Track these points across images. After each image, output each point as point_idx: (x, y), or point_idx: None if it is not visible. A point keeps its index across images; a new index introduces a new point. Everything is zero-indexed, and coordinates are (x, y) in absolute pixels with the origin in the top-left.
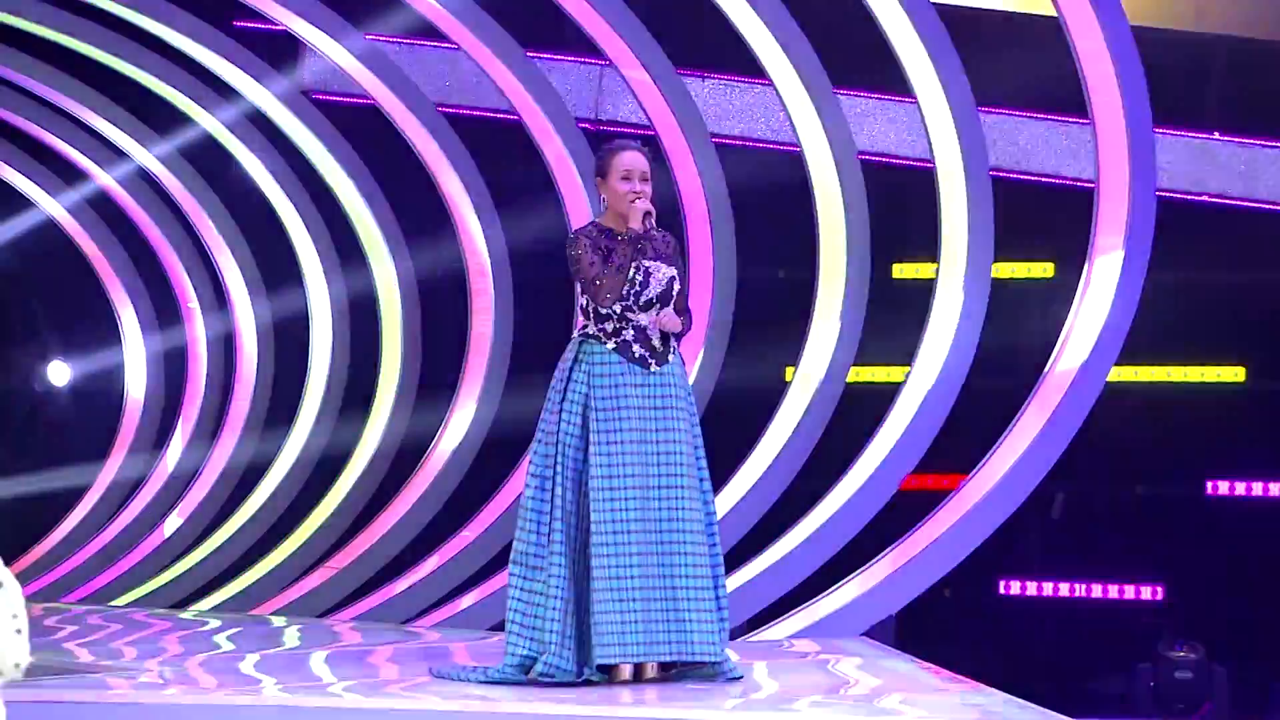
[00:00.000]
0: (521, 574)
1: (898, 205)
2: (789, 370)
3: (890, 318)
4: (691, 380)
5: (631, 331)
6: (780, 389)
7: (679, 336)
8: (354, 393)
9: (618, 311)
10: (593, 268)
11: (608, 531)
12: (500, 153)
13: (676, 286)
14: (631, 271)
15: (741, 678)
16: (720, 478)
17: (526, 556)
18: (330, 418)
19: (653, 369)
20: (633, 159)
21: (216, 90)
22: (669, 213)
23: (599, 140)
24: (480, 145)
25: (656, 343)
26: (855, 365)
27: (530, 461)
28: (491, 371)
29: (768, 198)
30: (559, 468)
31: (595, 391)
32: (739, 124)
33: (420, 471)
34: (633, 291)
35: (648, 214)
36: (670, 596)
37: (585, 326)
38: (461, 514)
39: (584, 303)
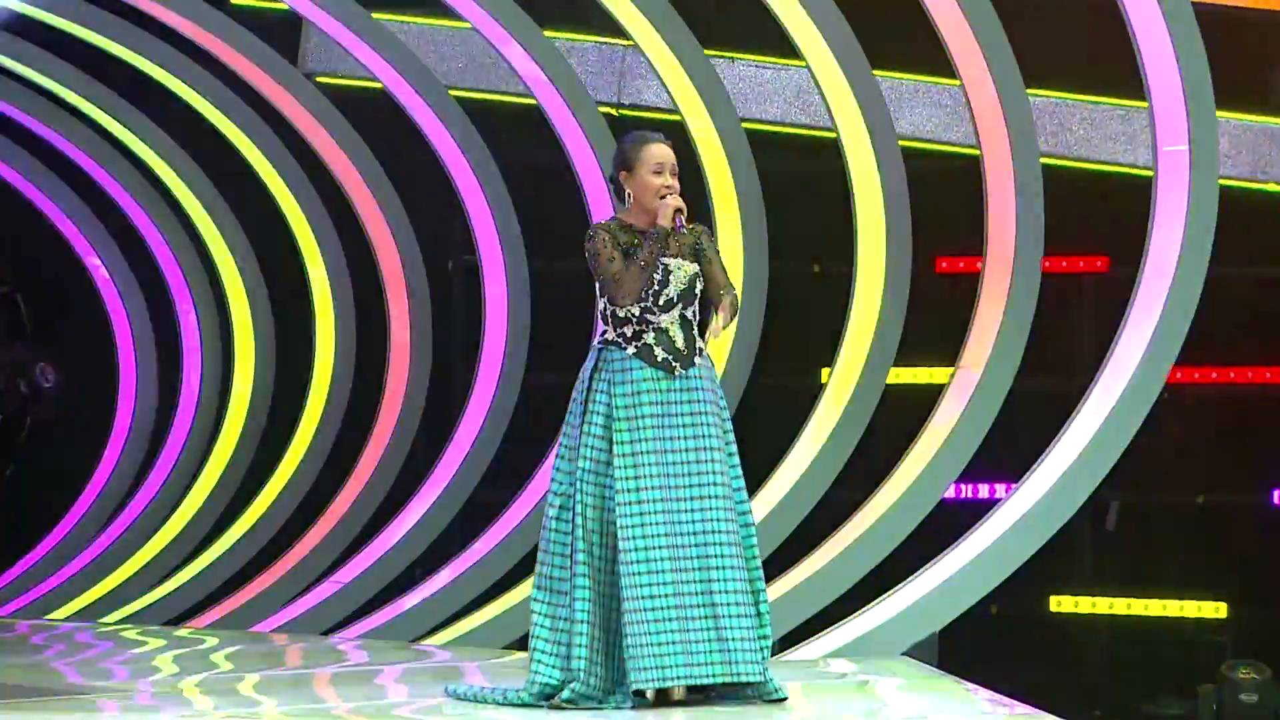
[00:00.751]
0: (546, 599)
1: (941, 194)
2: (824, 371)
3: (933, 314)
4: (721, 379)
5: (652, 334)
6: (815, 391)
7: (734, 315)
8: (359, 397)
9: (636, 314)
10: (613, 264)
11: (637, 549)
12: (517, 139)
13: (699, 285)
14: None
15: (786, 698)
16: (751, 486)
17: (550, 580)
18: (334, 424)
19: (678, 373)
20: (663, 151)
21: (212, 72)
22: (695, 204)
23: (621, 126)
24: (496, 130)
25: (681, 344)
26: (895, 365)
27: (552, 479)
28: (506, 375)
29: (802, 187)
30: (581, 484)
31: (617, 401)
32: (771, 108)
33: (429, 481)
34: (652, 291)
35: (679, 211)
36: (710, 614)
37: (605, 333)
38: (473, 527)
39: (602, 307)
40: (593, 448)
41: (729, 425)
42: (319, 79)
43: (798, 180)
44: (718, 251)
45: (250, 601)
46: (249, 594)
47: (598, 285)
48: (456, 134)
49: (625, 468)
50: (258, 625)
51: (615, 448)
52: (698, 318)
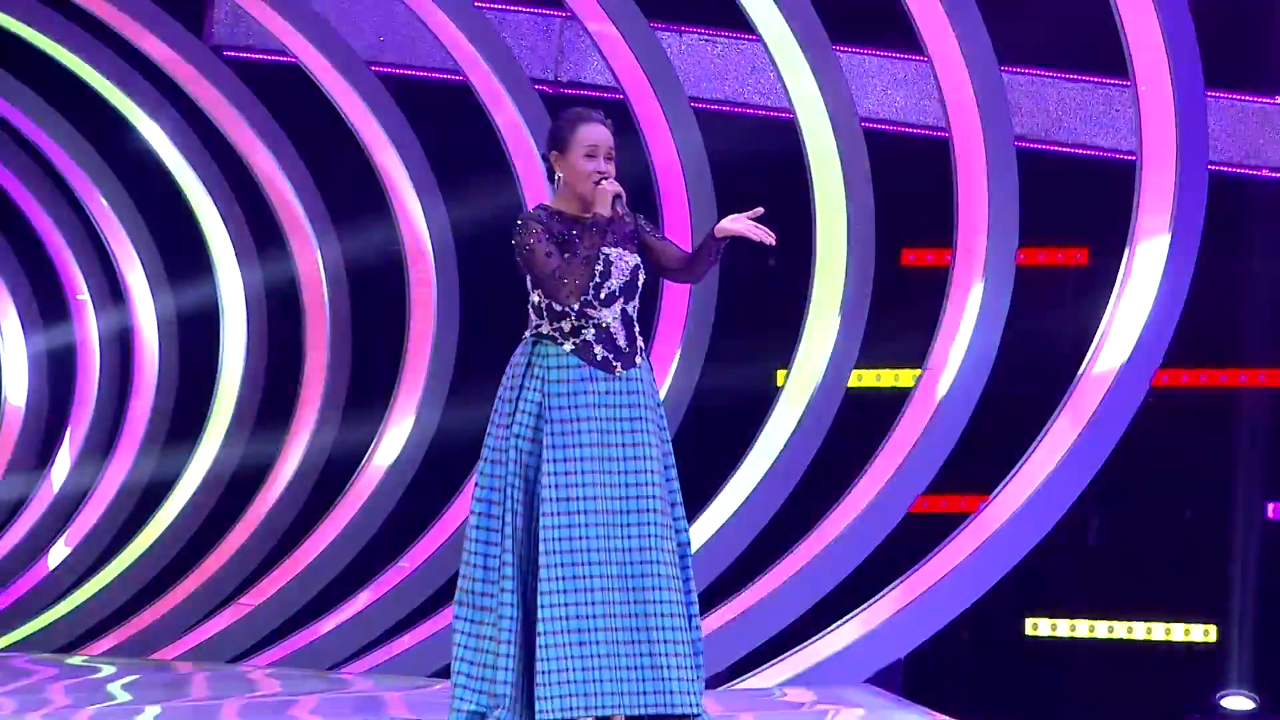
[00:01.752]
0: (468, 615)
1: (907, 181)
2: (780, 374)
3: (898, 312)
4: (667, 385)
5: (592, 331)
6: (770, 395)
7: (702, 274)
8: (273, 399)
9: (575, 308)
10: (550, 259)
11: (563, 564)
12: (444, 120)
13: (641, 277)
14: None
15: None
16: (700, 499)
17: (473, 595)
18: (244, 429)
19: (618, 373)
20: (598, 133)
21: (112, 48)
22: (639, 190)
23: (558, 105)
24: (421, 111)
25: (622, 342)
26: (858, 367)
27: (476, 484)
28: (434, 375)
29: (755, 172)
30: (509, 490)
31: (551, 400)
32: (721, 86)
33: (350, 492)
34: (593, 284)
35: (618, 197)
36: (644, 639)
37: (538, 326)
38: (398, 542)
39: (535, 299)
40: (522, 450)
41: (667, 433)
42: (228, 53)
43: (751, 165)
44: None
45: (151, 626)
46: (149, 618)
47: (528, 276)
48: (378, 114)
49: (556, 474)
50: (159, 652)
51: (546, 452)
52: (638, 311)
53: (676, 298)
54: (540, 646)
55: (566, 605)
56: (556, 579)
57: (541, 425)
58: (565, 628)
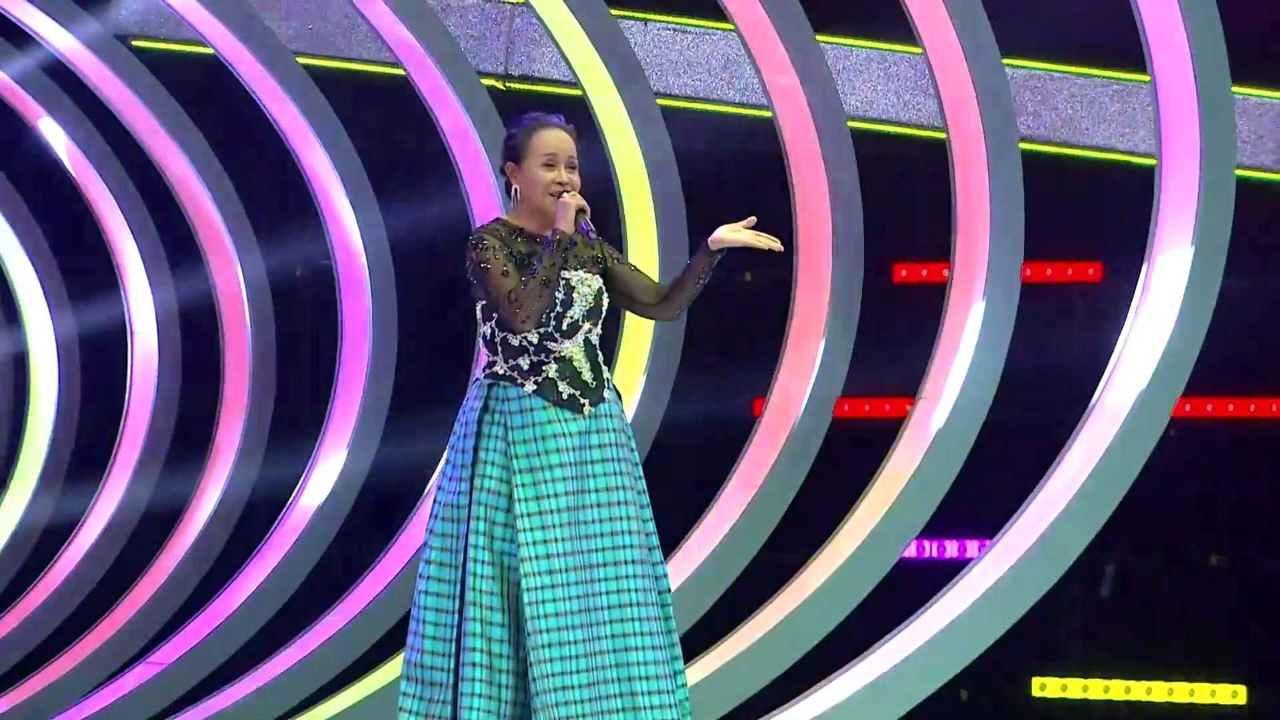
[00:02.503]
0: (418, 693)
1: (899, 187)
2: (757, 402)
3: (890, 334)
4: (630, 417)
5: (554, 366)
6: (746, 427)
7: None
8: (188, 431)
9: (534, 341)
10: (506, 279)
11: (549, 628)
12: (381, 117)
13: (605, 302)
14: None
15: None
16: (668, 542)
17: (424, 670)
18: (155, 464)
19: (586, 411)
20: (558, 139)
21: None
22: (599, 197)
23: (509, 104)
24: (355, 108)
25: (588, 376)
26: (844, 396)
27: (427, 547)
28: (369, 404)
29: (730, 177)
30: (475, 553)
31: (517, 449)
32: (693, 81)
33: (275, 536)
34: (554, 313)
35: (581, 211)
36: (630, 706)
37: (493, 365)
38: (329, 591)
39: (488, 332)
40: (487, 506)
41: (640, 473)
42: (135, 43)
43: (724, 169)
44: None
45: (47, 689)
46: (45, 679)
47: (481, 306)
48: (307, 111)
49: (533, 529)
50: (56, 717)
51: (518, 505)
52: (599, 336)
53: (639, 319)
54: (535, 710)
55: (555, 676)
56: (544, 645)
57: (509, 478)
58: (556, 700)
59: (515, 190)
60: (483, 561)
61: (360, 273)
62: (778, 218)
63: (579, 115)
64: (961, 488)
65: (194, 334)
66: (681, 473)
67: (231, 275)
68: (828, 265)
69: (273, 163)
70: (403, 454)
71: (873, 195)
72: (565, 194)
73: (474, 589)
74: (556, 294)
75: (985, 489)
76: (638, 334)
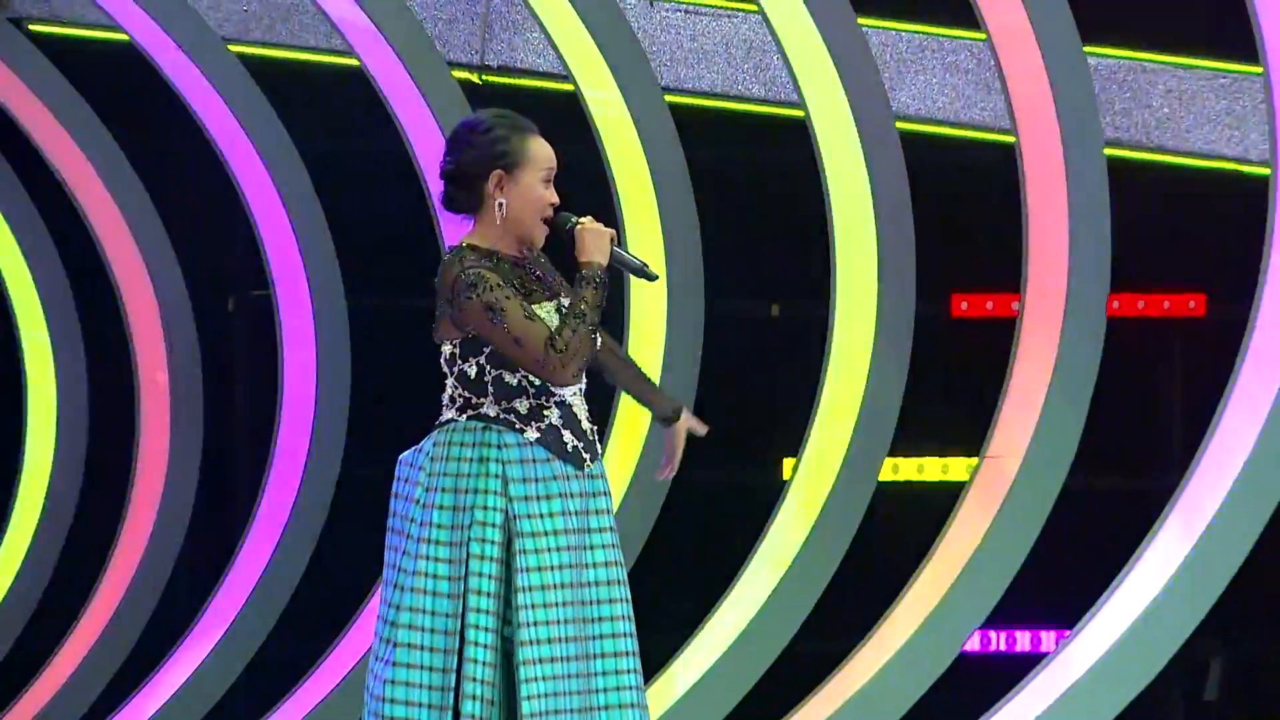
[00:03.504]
0: None
1: (960, 201)
2: (787, 462)
3: (948, 378)
4: (629, 478)
5: (557, 412)
6: (775, 491)
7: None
8: (96, 499)
9: (536, 382)
10: (535, 326)
11: (547, 710)
12: (330, 116)
13: (598, 341)
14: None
15: None
16: (680, 630)
17: None
18: (56, 538)
19: (586, 469)
20: (549, 152)
21: None
22: (592, 216)
23: (486, 100)
24: (298, 104)
25: (586, 425)
26: (893, 454)
27: (390, 624)
28: (316, 464)
29: (754, 188)
30: (476, 634)
31: (517, 506)
32: (707, 73)
33: (201, 624)
34: None
35: (612, 240)
36: None
37: (478, 405)
38: (271, 691)
39: (471, 370)
40: (487, 576)
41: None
42: (34, 26)
43: (747, 179)
44: None
45: None
46: None
47: (457, 341)
48: (239, 108)
49: (532, 607)
50: None
51: (519, 576)
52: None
53: (644, 355)
54: None
55: None
56: None
57: (511, 542)
58: None
59: (495, 203)
60: (485, 646)
61: (304, 303)
62: (810, 238)
63: (570, 114)
64: (1035, 566)
65: (101, 379)
66: (695, 548)
67: (147, 303)
68: (873, 295)
69: (197, 167)
70: (355, 523)
71: (926, 211)
72: (585, 219)
73: (475, 679)
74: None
75: (1064, 568)
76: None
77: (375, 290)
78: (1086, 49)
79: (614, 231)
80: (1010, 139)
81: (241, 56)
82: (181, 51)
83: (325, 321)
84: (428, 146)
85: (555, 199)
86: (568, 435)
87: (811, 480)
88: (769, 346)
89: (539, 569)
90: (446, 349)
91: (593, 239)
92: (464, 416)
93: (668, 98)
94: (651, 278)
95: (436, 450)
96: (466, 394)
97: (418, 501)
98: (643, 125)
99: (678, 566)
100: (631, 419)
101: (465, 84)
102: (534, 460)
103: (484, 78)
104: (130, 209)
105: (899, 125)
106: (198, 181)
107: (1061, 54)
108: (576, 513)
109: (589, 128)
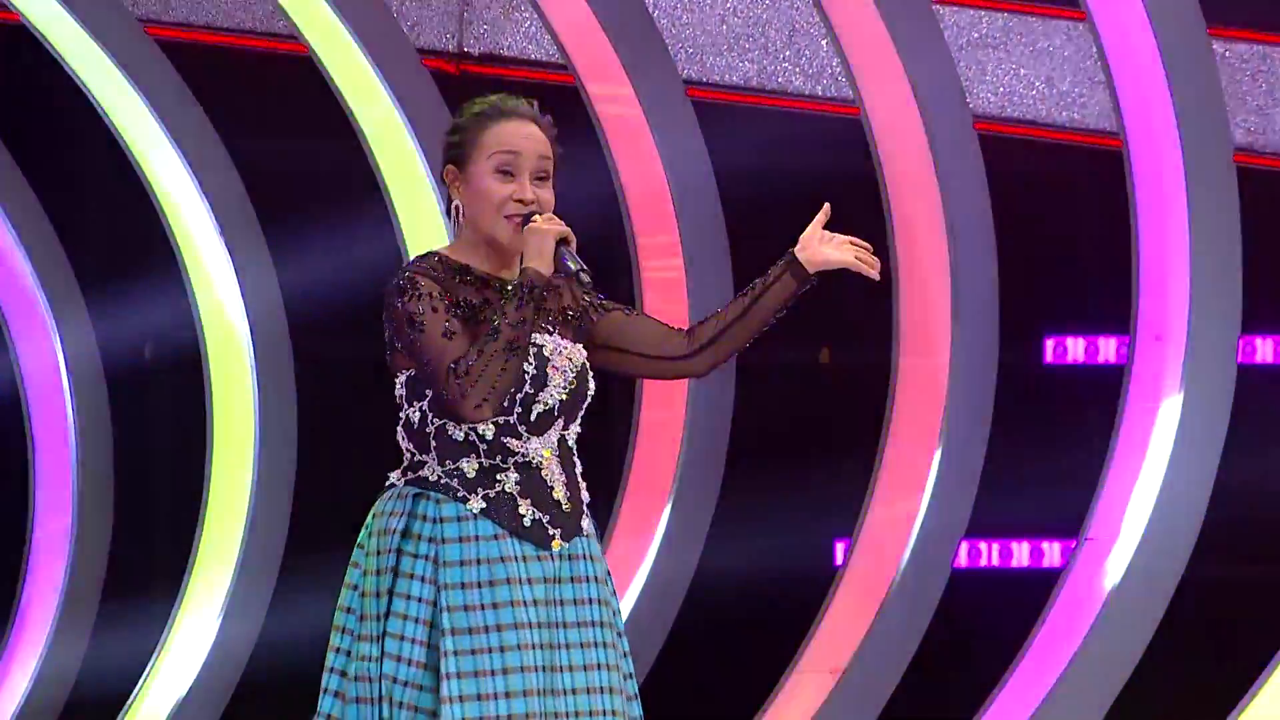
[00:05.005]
0: None
1: (1052, 219)
2: (839, 545)
3: (1037, 440)
4: (649, 562)
5: (514, 476)
6: (825, 582)
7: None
8: None
9: (489, 437)
10: (449, 344)
11: None
12: (276, 117)
13: (591, 386)
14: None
15: None
16: None
17: None
18: None
19: (556, 548)
20: (520, 134)
21: None
22: (599, 229)
23: (465, 94)
24: (238, 101)
25: (561, 494)
26: (971, 534)
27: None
28: (252, 552)
29: (797, 204)
30: None
31: (448, 596)
32: (739, 63)
33: None
34: (521, 396)
35: (564, 242)
36: None
37: (420, 464)
38: None
39: (415, 417)
40: (398, 680)
41: (620, 617)
42: None
43: (787, 188)
44: None
45: None
46: None
47: (407, 379)
48: (160, 108)
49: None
50: None
51: (445, 685)
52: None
53: (662, 409)
54: None
55: None
56: None
57: (434, 633)
58: None
59: (457, 208)
60: None
61: (241, 348)
62: (868, 270)
63: (568, 112)
64: (1149, 676)
65: None
66: (732, 647)
67: (47, 352)
68: (945, 337)
69: (109, 184)
70: (299, 620)
71: (1011, 231)
72: (536, 216)
73: None
74: (526, 367)
75: (1185, 670)
76: (657, 436)
77: (327, 324)
78: (1212, 33)
79: (565, 231)
80: (1115, 144)
81: (163, 42)
82: (87, 35)
83: (268, 367)
84: (393, 152)
85: (522, 194)
86: (525, 506)
87: (870, 565)
88: (819, 399)
89: (474, 674)
90: (398, 385)
91: (534, 240)
92: (401, 481)
93: (690, 92)
94: (585, 284)
95: (376, 522)
96: (411, 448)
97: (352, 587)
98: (658, 125)
99: (715, 667)
100: (649, 473)
101: (440, 74)
102: (476, 538)
103: (462, 68)
104: (32, 235)
105: (977, 126)
106: (108, 198)
107: (1180, 40)
108: (537, 603)
109: (592, 128)
